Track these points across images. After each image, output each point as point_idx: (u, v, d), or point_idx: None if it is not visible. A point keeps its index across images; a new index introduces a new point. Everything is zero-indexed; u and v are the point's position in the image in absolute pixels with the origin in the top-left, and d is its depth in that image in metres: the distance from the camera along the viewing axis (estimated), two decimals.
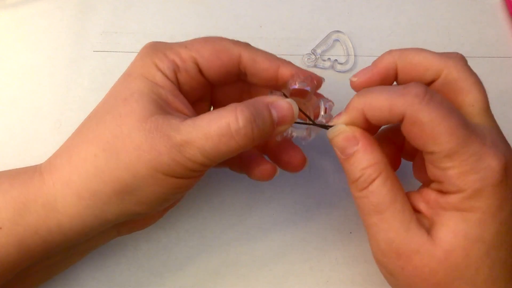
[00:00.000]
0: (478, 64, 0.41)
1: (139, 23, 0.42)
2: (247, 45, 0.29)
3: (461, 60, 0.27)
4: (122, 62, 0.40)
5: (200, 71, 0.28)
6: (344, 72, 0.40)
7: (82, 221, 0.26)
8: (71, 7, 0.42)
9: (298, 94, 0.29)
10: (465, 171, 0.23)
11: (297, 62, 0.40)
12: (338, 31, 0.41)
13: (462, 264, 0.24)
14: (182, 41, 0.29)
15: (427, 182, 0.27)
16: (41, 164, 0.28)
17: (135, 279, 0.34)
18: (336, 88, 0.35)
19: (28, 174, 0.27)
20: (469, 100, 0.26)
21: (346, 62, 0.40)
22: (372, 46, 0.41)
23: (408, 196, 0.27)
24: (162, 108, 0.26)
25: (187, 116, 0.26)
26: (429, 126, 0.23)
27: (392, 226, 0.25)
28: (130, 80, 0.27)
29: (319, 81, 0.30)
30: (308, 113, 0.28)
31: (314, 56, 0.40)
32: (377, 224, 0.25)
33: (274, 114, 0.26)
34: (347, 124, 0.27)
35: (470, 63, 0.42)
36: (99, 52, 0.40)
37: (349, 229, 0.35)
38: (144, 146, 0.24)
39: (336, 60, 0.40)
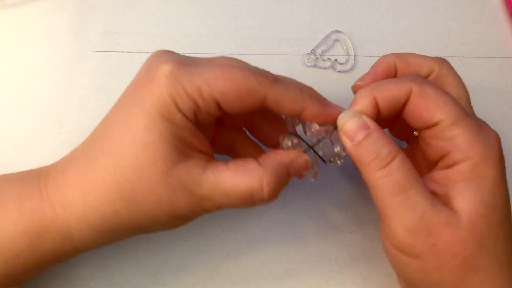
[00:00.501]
0: (478, 64, 0.41)
1: (139, 23, 0.42)
2: (273, 84, 0.26)
3: (447, 61, 0.30)
4: (122, 62, 0.40)
5: (219, 107, 0.26)
6: (344, 72, 0.40)
7: (97, 246, 0.28)
8: (71, 7, 0.42)
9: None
10: (471, 138, 0.25)
11: (297, 62, 0.40)
12: (338, 31, 0.41)
13: (485, 233, 0.24)
14: (188, 51, 0.28)
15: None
16: (45, 186, 0.27)
17: (135, 279, 0.34)
18: (336, 88, 0.35)
19: (35, 200, 0.26)
20: (456, 93, 0.29)
21: (346, 62, 0.40)
22: (372, 46, 0.41)
23: None
24: (182, 152, 0.26)
25: (206, 159, 0.27)
26: (434, 96, 0.26)
27: (419, 202, 0.24)
28: (148, 120, 0.25)
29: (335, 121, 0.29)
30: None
31: (314, 56, 0.40)
32: (403, 202, 0.24)
33: (292, 172, 0.28)
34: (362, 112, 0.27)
35: (470, 63, 0.42)
36: (99, 52, 0.40)
37: (349, 229, 0.35)
38: (165, 200, 0.25)
39: (336, 60, 0.40)
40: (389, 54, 0.30)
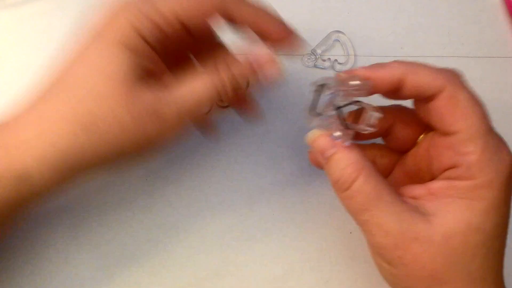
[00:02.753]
0: (478, 64, 0.41)
1: None
2: None
3: (460, 77, 0.27)
4: None
5: (181, 22, 0.26)
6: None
7: (59, 187, 0.26)
8: (71, 7, 0.42)
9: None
10: (484, 159, 0.24)
11: (297, 62, 0.40)
12: (338, 31, 0.41)
13: (460, 249, 0.24)
14: None
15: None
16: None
17: (135, 279, 0.34)
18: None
19: None
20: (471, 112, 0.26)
21: (346, 62, 0.40)
22: (372, 46, 0.41)
23: (407, 188, 0.27)
24: (144, 80, 0.25)
25: (168, 85, 0.26)
26: (464, 103, 0.25)
27: (384, 220, 0.25)
28: (105, 47, 0.25)
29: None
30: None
31: (314, 56, 0.40)
32: (368, 220, 0.25)
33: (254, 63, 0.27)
34: (380, 78, 0.26)
35: (470, 63, 0.42)
36: None
37: (349, 229, 0.35)
38: (130, 126, 0.24)
39: (336, 60, 0.40)
40: (395, 63, 0.27)
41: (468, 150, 0.25)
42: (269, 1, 0.43)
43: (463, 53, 0.41)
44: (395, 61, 0.27)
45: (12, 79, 0.39)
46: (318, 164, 0.29)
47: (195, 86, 0.26)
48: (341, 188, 0.26)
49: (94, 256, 0.34)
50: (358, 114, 0.28)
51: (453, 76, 0.26)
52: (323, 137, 0.27)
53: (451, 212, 0.25)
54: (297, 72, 0.40)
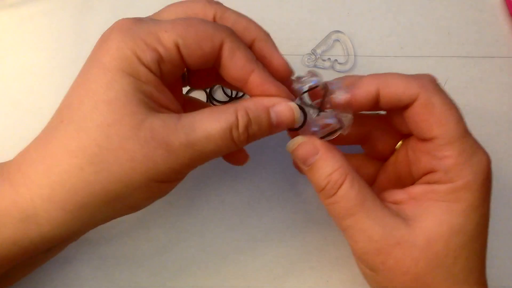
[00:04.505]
0: (478, 64, 0.41)
1: None
2: (231, 33, 0.26)
3: (433, 82, 0.27)
4: None
5: (181, 56, 0.25)
6: (344, 72, 0.40)
7: (68, 229, 0.24)
8: (71, 7, 0.42)
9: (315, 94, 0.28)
10: (461, 162, 0.25)
11: (297, 62, 0.40)
12: (338, 31, 0.41)
13: (442, 252, 0.24)
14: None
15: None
16: (4, 168, 0.25)
17: (135, 279, 0.34)
18: None
19: None
20: (445, 117, 0.26)
21: (346, 62, 0.40)
22: (372, 46, 0.41)
23: (388, 193, 0.28)
24: (151, 107, 0.24)
25: (176, 113, 0.25)
26: (439, 109, 0.25)
27: (367, 225, 0.25)
28: (109, 77, 0.23)
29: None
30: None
31: (314, 56, 0.40)
32: (352, 226, 0.25)
33: (273, 117, 0.26)
34: (358, 98, 0.26)
35: (470, 63, 0.42)
36: None
37: None
38: (139, 156, 0.23)
39: (336, 60, 0.40)
40: (368, 78, 0.27)
41: (445, 155, 0.25)
42: (269, 1, 0.43)
43: (463, 53, 0.41)
44: (367, 76, 0.27)
45: (12, 79, 0.39)
46: (301, 169, 0.29)
47: (210, 122, 0.24)
48: (326, 195, 0.26)
49: (94, 256, 0.34)
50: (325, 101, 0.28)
51: (427, 82, 0.26)
52: (305, 145, 0.26)
53: (432, 216, 0.25)
54: (297, 72, 0.40)
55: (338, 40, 0.41)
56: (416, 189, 0.26)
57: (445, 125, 0.25)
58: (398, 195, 0.27)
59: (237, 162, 0.32)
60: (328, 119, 0.27)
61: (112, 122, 0.23)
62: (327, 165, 0.26)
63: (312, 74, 0.28)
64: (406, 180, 0.29)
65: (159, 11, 0.28)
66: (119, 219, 0.26)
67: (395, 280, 0.25)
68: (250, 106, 0.25)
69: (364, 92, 0.26)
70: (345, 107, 0.27)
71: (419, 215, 0.25)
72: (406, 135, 0.29)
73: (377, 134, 0.30)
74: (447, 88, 0.27)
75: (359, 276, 0.34)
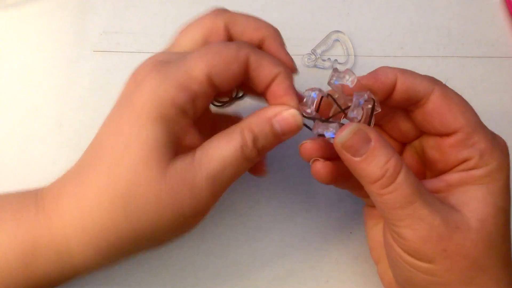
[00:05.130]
0: (478, 64, 0.41)
1: (139, 23, 0.42)
2: (251, 46, 0.27)
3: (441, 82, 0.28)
4: (122, 62, 0.40)
5: (211, 84, 0.26)
6: None
7: (98, 263, 0.26)
8: (71, 7, 0.42)
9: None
10: (491, 146, 0.26)
11: (297, 62, 0.40)
12: (338, 31, 0.41)
13: (493, 232, 0.25)
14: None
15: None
16: (42, 199, 0.26)
17: (135, 279, 0.34)
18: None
19: (31, 211, 0.25)
20: (463, 112, 0.27)
21: (346, 62, 0.40)
22: (372, 46, 0.41)
23: (425, 182, 0.28)
24: (177, 149, 0.25)
25: (197, 146, 0.26)
26: (456, 100, 0.26)
27: (426, 212, 0.25)
28: (142, 121, 0.24)
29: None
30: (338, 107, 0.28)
31: (314, 56, 0.40)
32: (411, 214, 0.25)
33: (277, 127, 0.26)
34: (379, 81, 0.27)
35: (470, 63, 0.42)
36: (99, 52, 0.40)
37: (349, 229, 0.35)
38: (165, 196, 0.24)
39: (336, 60, 0.40)
40: (386, 67, 0.28)
41: (475, 141, 0.26)
42: (269, 1, 0.43)
43: (463, 53, 0.41)
44: (383, 67, 0.27)
45: (12, 79, 0.39)
46: (310, 158, 0.28)
47: (221, 148, 0.25)
48: (383, 184, 0.25)
49: None
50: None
51: (434, 78, 0.27)
52: (358, 134, 0.25)
53: (476, 199, 0.25)
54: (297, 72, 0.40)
55: (338, 40, 0.41)
56: (453, 177, 0.27)
57: (466, 113, 0.26)
58: (435, 183, 0.27)
59: (258, 173, 0.32)
60: (354, 111, 0.26)
61: (140, 164, 0.24)
62: (382, 153, 0.25)
63: (311, 89, 0.27)
64: (420, 176, 0.30)
65: (176, 40, 0.29)
66: None
67: (454, 267, 0.25)
68: (253, 121, 0.26)
69: (384, 77, 0.27)
70: (360, 88, 0.26)
71: (463, 200, 0.26)
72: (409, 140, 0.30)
73: (402, 117, 0.30)
74: None
75: (359, 276, 0.34)
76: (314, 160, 0.28)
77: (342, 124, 0.26)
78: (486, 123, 0.27)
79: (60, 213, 0.25)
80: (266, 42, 0.29)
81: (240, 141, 0.25)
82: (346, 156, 0.26)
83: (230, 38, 0.28)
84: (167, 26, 0.41)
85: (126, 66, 0.40)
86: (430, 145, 0.29)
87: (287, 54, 0.29)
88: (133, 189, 0.24)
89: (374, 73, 0.27)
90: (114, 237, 0.24)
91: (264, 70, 0.26)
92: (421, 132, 0.30)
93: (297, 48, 0.41)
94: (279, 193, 0.36)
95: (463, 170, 0.26)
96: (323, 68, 0.40)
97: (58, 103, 0.39)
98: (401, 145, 0.31)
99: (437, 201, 0.25)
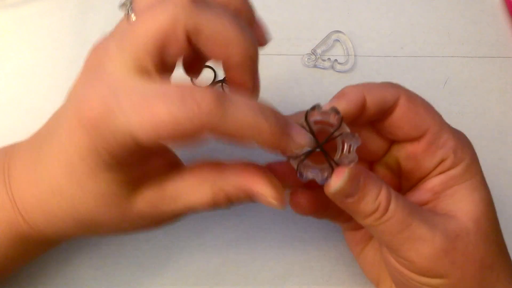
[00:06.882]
0: (478, 64, 0.41)
1: None
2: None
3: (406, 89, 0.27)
4: None
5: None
6: (344, 72, 0.40)
7: (55, 233, 0.27)
8: (71, 7, 0.42)
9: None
10: (460, 142, 0.26)
11: (297, 62, 0.40)
12: (338, 31, 0.41)
13: (489, 228, 0.25)
14: None
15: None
16: (8, 176, 0.27)
17: (135, 279, 0.34)
18: (336, 88, 0.34)
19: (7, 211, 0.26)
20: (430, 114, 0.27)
21: (346, 62, 0.40)
22: (372, 46, 0.41)
23: (410, 198, 0.27)
24: (136, 185, 0.25)
25: (162, 179, 0.25)
26: (420, 102, 0.26)
27: (424, 230, 0.24)
28: (88, 172, 0.23)
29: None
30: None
31: (314, 56, 0.40)
32: (410, 236, 0.24)
33: (255, 199, 0.26)
34: (345, 108, 0.25)
35: (470, 63, 0.42)
36: None
37: None
38: (129, 229, 0.27)
39: (336, 60, 0.40)
40: (350, 87, 0.26)
41: (445, 139, 0.26)
42: (269, 1, 0.43)
43: (463, 53, 0.41)
44: (347, 87, 0.26)
45: (12, 79, 0.39)
46: (302, 211, 0.27)
47: (190, 200, 0.25)
48: (377, 217, 0.24)
49: (94, 256, 0.34)
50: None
51: (395, 84, 0.27)
52: (349, 182, 0.24)
53: (465, 199, 0.25)
54: (297, 72, 0.40)
55: (338, 40, 0.41)
56: (435, 182, 0.26)
57: (431, 113, 0.26)
58: (421, 195, 0.27)
59: None
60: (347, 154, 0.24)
61: (100, 211, 0.25)
62: (372, 187, 0.24)
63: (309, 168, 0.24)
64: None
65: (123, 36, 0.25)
66: None
67: (466, 275, 0.24)
68: (230, 184, 0.24)
69: (354, 97, 0.25)
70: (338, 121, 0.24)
71: (453, 204, 0.25)
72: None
73: (368, 134, 0.28)
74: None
75: (359, 276, 0.34)
76: (293, 191, 0.27)
77: (331, 167, 0.24)
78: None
79: (22, 200, 0.26)
80: (233, 69, 0.23)
81: (212, 199, 0.24)
82: (338, 199, 0.25)
83: (192, 48, 0.22)
84: None
85: None
86: (403, 156, 0.27)
87: (255, 79, 0.24)
88: (95, 221, 0.25)
89: (345, 96, 0.25)
90: (59, 217, 0.25)
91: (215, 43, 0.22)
92: (389, 146, 0.28)
93: (297, 48, 0.41)
94: None
95: (441, 173, 0.26)
96: (323, 68, 0.40)
97: (58, 103, 0.39)
98: (370, 165, 0.29)
99: (431, 214, 0.25)
